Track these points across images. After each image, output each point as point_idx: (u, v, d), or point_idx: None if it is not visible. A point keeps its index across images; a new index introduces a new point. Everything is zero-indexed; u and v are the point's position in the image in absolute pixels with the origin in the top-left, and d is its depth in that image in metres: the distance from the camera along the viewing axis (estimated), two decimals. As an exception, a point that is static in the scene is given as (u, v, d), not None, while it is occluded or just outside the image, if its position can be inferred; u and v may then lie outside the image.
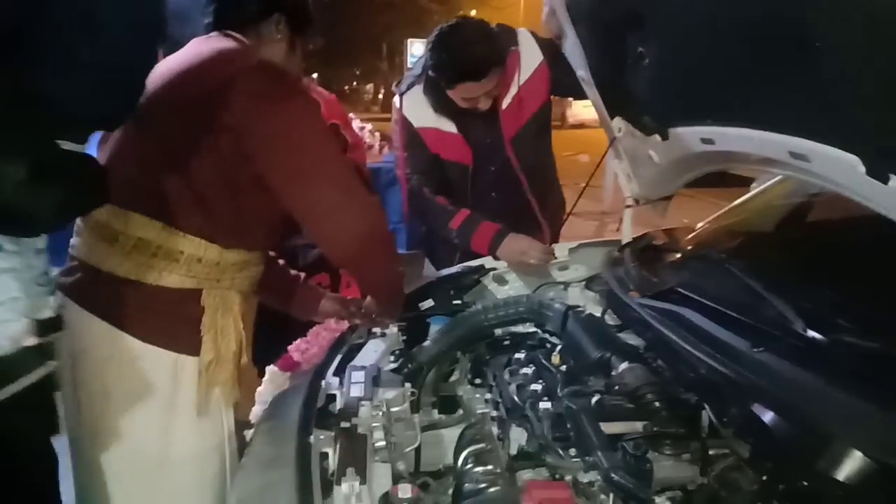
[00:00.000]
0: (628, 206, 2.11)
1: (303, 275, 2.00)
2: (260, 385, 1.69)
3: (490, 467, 1.22)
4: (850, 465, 0.92)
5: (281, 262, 1.96)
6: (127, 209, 1.46)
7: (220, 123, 1.42)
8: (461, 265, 2.22)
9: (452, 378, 1.77)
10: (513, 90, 2.34)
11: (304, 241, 2.43)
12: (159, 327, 1.48)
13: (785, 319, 1.22)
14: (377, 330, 1.71)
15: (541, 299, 1.72)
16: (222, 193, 1.49)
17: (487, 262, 2.20)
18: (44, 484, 1.35)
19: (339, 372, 1.53)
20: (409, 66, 10.70)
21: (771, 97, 1.17)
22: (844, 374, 1.07)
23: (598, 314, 1.69)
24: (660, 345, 1.40)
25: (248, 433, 1.53)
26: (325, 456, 1.22)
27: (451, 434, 1.46)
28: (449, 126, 2.35)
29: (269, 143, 1.44)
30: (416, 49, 14.53)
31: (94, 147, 1.59)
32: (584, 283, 1.99)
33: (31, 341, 1.19)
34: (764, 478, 1.03)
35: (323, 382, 1.47)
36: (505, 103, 2.35)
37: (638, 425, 1.16)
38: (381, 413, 1.25)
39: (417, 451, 1.34)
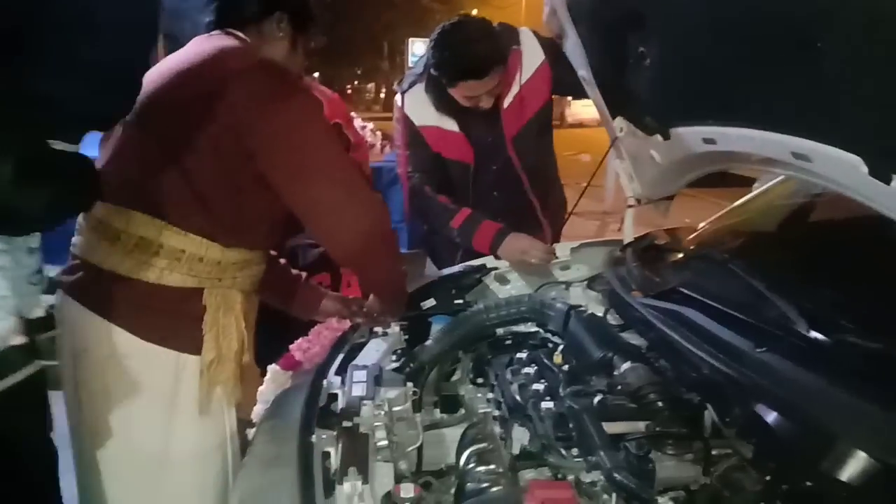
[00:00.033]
0: (630, 206, 2.10)
1: (304, 274, 1.99)
2: (262, 384, 1.69)
3: (492, 467, 1.23)
4: (854, 465, 0.91)
5: (282, 261, 1.96)
6: (128, 208, 1.46)
7: (222, 122, 1.42)
8: (463, 264, 2.22)
9: (454, 377, 1.77)
10: (514, 89, 2.34)
11: (304, 241, 2.43)
12: (161, 326, 1.48)
13: (788, 319, 1.22)
14: (379, 329, 1.71)
15: (542, 299, 1.72)
16: (224, 192, 1.49)
17: (489, 261, 2.20)
18: (42, 484, 1.35)
19: (341, 371, 1.53)
20: (410, 65, 10.70)
21: (773, 97, 1.16)
22: (847, 374, 1.07)
23: (600, 314, 1.69)
24: (662, 344, 1.40)
25: (250, 432, 1.53)
26: (327, 455, 1.22)
27: (453, 433, 1.46)
28: (451, 125, 2.35)
29: (270, 141, 1.44)
30: (418, 48, 14.55)
31: (94, 146, 1.59)
32: (585, 282, 1.98)
33: (18, 340, 1.19)
34: (767, 478, 1.03)
35: (325, 382, 1.47)
36: (506, 102, 2.35)
37: (640, 425, 1.16)
38: (382, 412, 1.25)
39: (419, 450, 1.34)
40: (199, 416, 1.53)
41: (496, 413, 1.45)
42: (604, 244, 2.20)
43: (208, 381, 1.52)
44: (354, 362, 1.51)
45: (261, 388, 1.67)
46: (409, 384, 1.41)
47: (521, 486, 1.18)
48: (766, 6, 1.10)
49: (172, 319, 1.49)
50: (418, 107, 2.37)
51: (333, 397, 1.39)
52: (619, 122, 1.92)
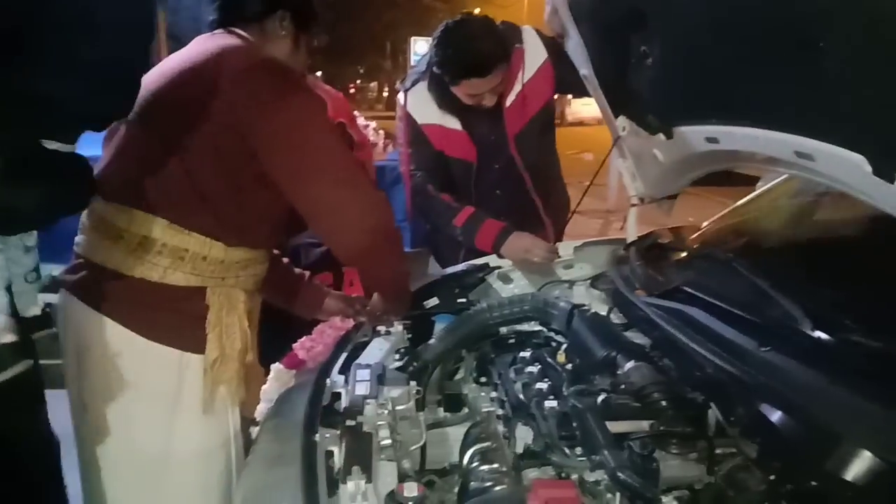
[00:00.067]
0: (633, 205, 2.10)
1: (307, 273, 2.00)
2: (265, 383, 1.69)
3: (496, 466, 1.22)
4: (859, 465, 0.91)
5: (285, 260, 1.96)
6: (131, 206, 1.47)
7: (224, 121, 1.42)
8: (466, 263, 2.21)
9: (458, 376, 1.77)
10: (517, 87, 2.34)
11: (307, 240, 2.43)
12: (164, 325, 1.49)
13: (792, 319, 1.21)
14: (382, 328, 1.71)
15: (546, 298, 1.72)
16: (226, 191, 1.49)
17: (492, 260, 2.20)
18: (40, 484, 1.34)
19: (345, 370, 1.52)
20: (412, 64, 10.70)
21: (775, 96, 1.16)
22: (852, 373, 1.07)
23: (604, 313, 1.69)
24: (666, 343, 1.39)
25: (254, 430, 1.53)
26: (330, 454, 1.22)
27: (456, 432, 1.46)
28: (453, 123, 2.35)
29: (273, 140, 1.44)
30: (420, 47, 14.54)
31: (96, 146, 1.59)
32: (589, 281, 1.98)
33: (8, 338, 1.19)
34: (771, 477, 1.02)
35: (328, 380, 1.47)
36: (509, 101, 2.35)
37: (644, 424, 1.16)
38: (386, 411, 1.25)
39: (423, 449, 1.34)
40: (202, 415, 1.53)
41: (500, 412, 1.45)
42: (607, 243, 2.20)
43: (212, 380, 1.52)
44: (358, 361, 1.51)
45: (264, 387, 1.67)
46: (413, 383, 1.41)
47: (524, 486, 1.17)
48: (768, 5, 1.10)
49: (176, 318, 1.49)
50: (421, 105, 2.37)
51: (337, 396, 1.39)
52: (622, 121, 1.92)
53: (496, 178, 2.46)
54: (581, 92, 2.16)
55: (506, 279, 2.18)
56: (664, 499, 1.05)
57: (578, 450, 1.19)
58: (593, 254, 2.18)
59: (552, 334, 1.70)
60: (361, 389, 1.35)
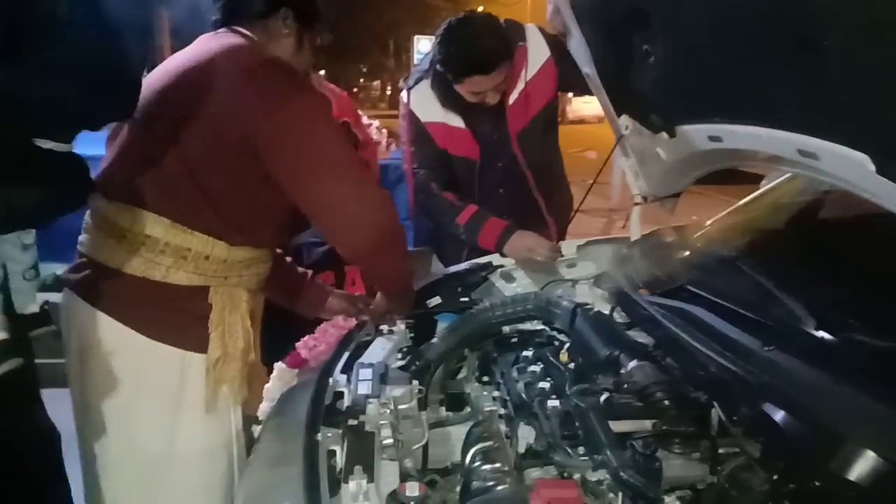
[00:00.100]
0: (636, 204, 2.09)
1: (310, 272, 1.99)
2: (268, 382, 1.69)
3: (498, 465, 1.22)
4: (863, 464, 0.91)
5: (288, 259, 1.96)
6: (134, 206, 1.47)
7: (227, 120, 1.42)
8: (469, 262, 2.21)
9: (460, 375, 1.77)
10: (520, 85, 2.34)
11: (309, 239, 2.43)
12: (167, 324, 1.49)
13: (796, 318, 1.21)
14: (385, 327, 1.71)
15: (549, 297, 1.72)
16: (230, 191, 1.49)
17: (495, 259, 2.20)
18: (39, 483, 1.34)
19: (347, 369, 1.53)
20: (415, 62, 10.69)
21: (778, 95, 1.16)
22: (856, 372, 1.07)
23: (607, 312, 1.69)
24: (669, 343, 1.39)
25: (256, 429, 1.53)
26: (332, 453, 1.22)
27: (458, 432, 1.46)
28: (456, 121, 2.35)
29: (276, 139, 1.44)
30: (423, 46, 14.51)
31: (97, 145, 1.59)
32: (592, 280, 1.98)
33: (1, 336, 1.19)
34: (775, 477, 1.02)
35: (330, 380, 1.47)
36: (511, 99, 2.34)
37: (647, 424, 1.16)
38: (388, 410, 1.25)
39: (425, 448, 1.33)
40: (205, 414, 1.53)
41: (502, 411, 1.45)
42: (610, 242, 2.19)
43: (214, 380, 1.52)
44: (360, 360, 1.51)
45: (267, 386, 1.67)
46: (415, 382, 1.41)
47: (526, 485, 1.17)
48: (770, 5, 1.09)
49: (178, 317, 1.49)
50: (424, 103, 2.37)
51: (339, 395, 1.39)
52: (625, 120, 1.91)
53: (499, 176, 2.45)
54: (584, 90, 2.15)
55: (509, 278, 2.18)
56: (667, 499, 1.05)
57: (581, 449, 1.19)
58: (596, 253, 2.17)
59: (555, 333, 1.70)
60: (364, 389, 1.35)
